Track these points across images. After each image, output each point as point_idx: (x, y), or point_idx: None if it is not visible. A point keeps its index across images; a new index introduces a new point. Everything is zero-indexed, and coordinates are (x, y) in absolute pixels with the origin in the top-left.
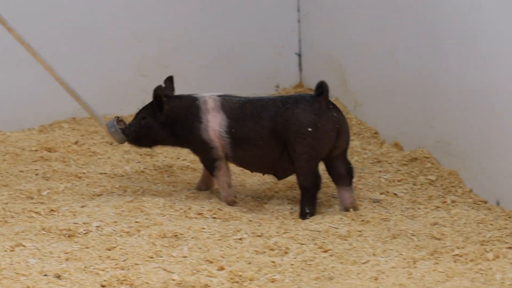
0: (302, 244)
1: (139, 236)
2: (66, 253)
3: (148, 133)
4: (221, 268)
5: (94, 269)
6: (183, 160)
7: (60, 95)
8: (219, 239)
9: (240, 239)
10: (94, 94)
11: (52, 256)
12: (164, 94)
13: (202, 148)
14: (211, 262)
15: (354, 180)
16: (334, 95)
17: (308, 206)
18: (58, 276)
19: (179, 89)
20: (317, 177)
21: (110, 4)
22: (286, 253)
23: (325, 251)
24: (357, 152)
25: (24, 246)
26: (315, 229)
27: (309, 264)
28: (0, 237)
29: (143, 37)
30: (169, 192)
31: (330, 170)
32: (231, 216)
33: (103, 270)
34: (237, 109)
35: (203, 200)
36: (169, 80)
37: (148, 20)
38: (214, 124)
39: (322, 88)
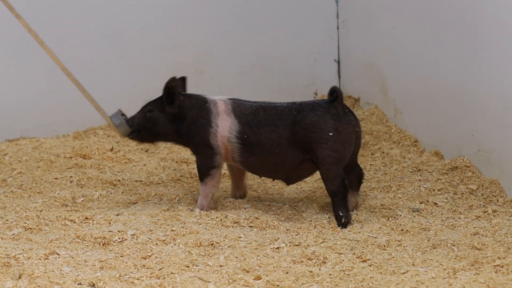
0: (340, 253)
1: (175, 244)
2: (101, 261)
3: (152, 127)
4: (258, 278)
5: (129, 277)
6: None
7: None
8: (256, 248)
9: (277, 248)
10: (128, 100)
11: (86, 265)
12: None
13: (205, 152)
14: (247, 272)
15: (394, 189)
16: (374, 102)
17: (341, 209)
18: (93, 285)
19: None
20: (344, 179)
21: (144, 9)
22: (324, 262)
23: (364, 261)
24: (396, 160)
25: (58, 254)
26: (354, 238)
27: (348, 274)
28: (34, 245)
29: (177, 42)
30: None
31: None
32: (268, 225)
33: (138, 279)
34: (250, 115)
35: (240, 208)
36: (182, 80)
37: (183, 25)
38: (223, 129)
39: (335, 93)
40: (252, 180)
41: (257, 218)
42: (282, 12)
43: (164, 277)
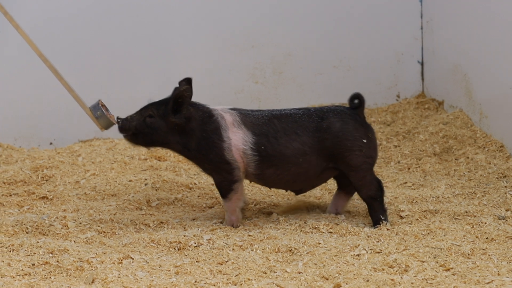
0: (423, 261)
1: (252, 250)
2: (176, 266)
3: (151, 134)
4: (338, 286)
5: (205, 284)
6: None
7: None
8: (336, 255)
9: (357, 255)
10: (207, 101)
11: (161, 270)
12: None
13: (223, 169)
14: (327, 279)
15: (479, 196)
16: (458, 106)
17: (381, 213)
18: None
19: (293, 98)
20: (379, 182)
21: (223, 9)
22: (406, 271)
23: (447, 270)
24: (481, 166)
25: (132, 258)
26: (437, 246)
27: (430, 283)
28: (108, 249)
29: (256, 42)
30: (284, 205)
31: (341, 177)
32: (349, 231)
33: (214, 285)
34: (264, 125)
35: (319, 214)
36: (187, 82)
37: (262, 24)
38: (238, 142)
39: (358, 99)
40: (331, 185)
41: (337, 224)
42: (364, 11)
43: (241, 284)
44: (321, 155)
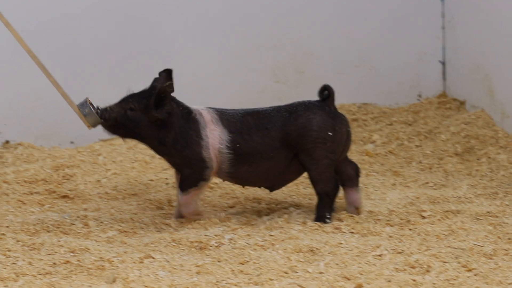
0: (444, 262)
1: (273, 250)
2: (197, 266)
3: (131, 127)
4: (359, 286)
5: (226, 283)
6: None
7: (192, 101)
8: (357, 255)
9: (379, 255)
10: (226, 102)
11: (182, 269)
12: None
13: (196, 165)
14: (348, 279)
15: (501, 196)
16: (480, 105)
17: (328, 210)
18: None
19: (315, 97)
20: (337, 180)
21: (244, 8)
22: (428, 271)
23: (469, 270)
24: (503, 166)
25: (153, 258)
26: (459, 246)
27: (452, 284)
28: (129, 248)
29: (277, 41)
30: (305, 205)
31: (338, 174)
32: (370, 231)
33: (235, 285)
34: (238, 123)
35: (340, 214)
36: (167, 73)
37: (283, 23)
38: (214, 141)
39: (327, 91)
40: None
41: (359, 224)
42: (385, 10)
43: (263, 284)
44: (289, 148)
